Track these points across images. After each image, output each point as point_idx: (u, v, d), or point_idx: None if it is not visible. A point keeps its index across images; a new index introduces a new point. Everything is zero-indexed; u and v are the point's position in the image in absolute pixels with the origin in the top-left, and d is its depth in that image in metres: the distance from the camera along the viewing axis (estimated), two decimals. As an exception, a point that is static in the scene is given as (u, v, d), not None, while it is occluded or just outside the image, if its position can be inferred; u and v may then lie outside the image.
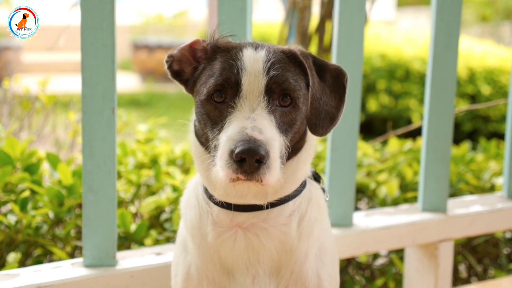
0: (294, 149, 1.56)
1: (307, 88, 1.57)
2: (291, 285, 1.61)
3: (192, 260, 1.65)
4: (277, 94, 1.50)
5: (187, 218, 1.69)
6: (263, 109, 1.47)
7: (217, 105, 1.51)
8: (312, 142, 1.65)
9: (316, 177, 1.75)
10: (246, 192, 1.54)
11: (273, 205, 1.57)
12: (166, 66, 1.67)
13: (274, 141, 1.43)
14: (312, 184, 1.71)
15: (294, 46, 1.62)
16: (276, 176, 1.43)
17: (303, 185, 1.65)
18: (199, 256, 1.63)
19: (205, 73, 1.58)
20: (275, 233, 1.58)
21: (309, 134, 1.62)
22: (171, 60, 1.66)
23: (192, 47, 1.65)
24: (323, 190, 1.76)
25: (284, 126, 1.50)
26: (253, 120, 1.43)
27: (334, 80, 1.61)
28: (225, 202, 1.58)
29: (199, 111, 1.57)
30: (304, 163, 1.61)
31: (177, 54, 1.66)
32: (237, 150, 1.37)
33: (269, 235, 1.58)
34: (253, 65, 1.51)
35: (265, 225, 1.57)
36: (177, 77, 1.67)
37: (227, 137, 1.43)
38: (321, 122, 1.55)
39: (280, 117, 1.50)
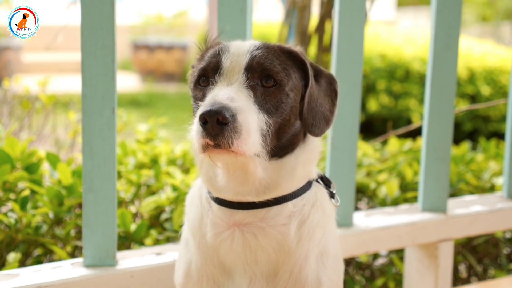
0: (289, 143, 1.55)
1: (303, 85, 1.58)
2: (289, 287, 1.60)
3: (193, 258, 1.66)
4: (258, 73, 1.49)
5: (189, 216, 1.70)
6: (240, 84, 1.46)
7: (202, 88, 1.54)
8: (314, 144, 1.64)
9: (326, 182, 1.74)
10: (228, 168, 1.51)
11: (270, 204, 1.56)
12: None
13: (248, 111, 1.41)
14: (318, 188, 1.69)
15: (296, 46, 1.62)
16: (250, 145, 1.39)
17: (306, 187, 1.64)
18: (199, 255, 1.64)
19: (196, 70, 1.61)
20: (272, 233, 1.57)
21: (310, 136, 1.62)
22: None
23: None
24: (332, 194, 1.73)
25: (267, 105, 1.47)
26: (228, 91, 1.43)
27: (328, 86, 1.63)
28: (224, 200, 1.57)
29: (192, 100, 1.59)
30: (304, 163, 1.60)
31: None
32: (200, 113, 1.37)
33: (267, 235, 1.56)
34: (238, 48, 1.53)
35: (262, 225, 1.56)
36: None
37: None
38: (317, 123, 1.56)
39: (262, 96, 1.48)
